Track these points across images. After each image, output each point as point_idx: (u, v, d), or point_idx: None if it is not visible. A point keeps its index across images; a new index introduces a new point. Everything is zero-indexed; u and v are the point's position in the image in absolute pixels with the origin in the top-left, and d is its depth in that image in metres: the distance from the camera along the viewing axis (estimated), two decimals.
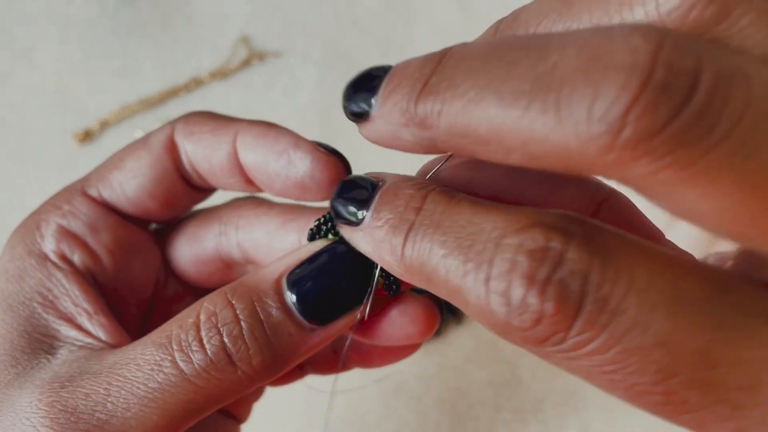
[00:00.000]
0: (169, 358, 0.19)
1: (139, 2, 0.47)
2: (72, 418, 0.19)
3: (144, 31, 0.47)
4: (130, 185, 0.24)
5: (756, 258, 0.15)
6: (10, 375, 0.20)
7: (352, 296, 0.21)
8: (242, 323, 0.20)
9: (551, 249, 0.14)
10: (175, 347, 0.19)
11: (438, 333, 0.43)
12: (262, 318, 0.20)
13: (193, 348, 0.19)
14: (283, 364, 0.20)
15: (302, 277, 0.20)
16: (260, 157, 0.22)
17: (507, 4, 0.48)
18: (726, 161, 0.12)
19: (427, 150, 0.17)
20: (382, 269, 0.20)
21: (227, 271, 0.26)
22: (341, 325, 0.21)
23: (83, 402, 0.19)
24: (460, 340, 0.43)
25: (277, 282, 0.20)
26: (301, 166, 0.22)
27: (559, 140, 0.13)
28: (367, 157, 0.45)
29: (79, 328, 0.22)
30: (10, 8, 0.47)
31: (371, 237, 0.18)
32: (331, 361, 0.27)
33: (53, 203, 0.24)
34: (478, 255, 0.15)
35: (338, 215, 0.19)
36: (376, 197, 0.18)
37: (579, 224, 0.14)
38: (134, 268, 0.24)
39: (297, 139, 0.22)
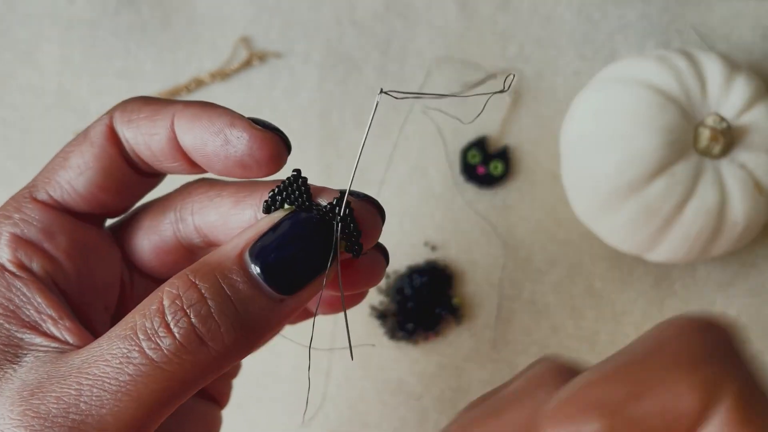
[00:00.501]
0: (137, 348, 0.19)
1: (140, 3, 0.47)
2: (46, 424, 0.19)
3: (145, 32, 0.47)
4: (79, 181, 0.23)
5: None
6: None
7: (317, 262, 0.21)
8: (209, 302, 0.19)
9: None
10: (141, 336, 0.19)
11: (438, 332, 0.43)
12: (230, 294, 0.20)
13: (161, 334, 0.19)
14: (256, 338, 0.20)
15: (265, 248, 0.20)
16: (197, 139, 0.22)
17: (507, 5, 0.48)
18: None
19: None
20: (342, 231, 0.21)
21: (191, 257, 0.26)
22: (310, 291, 0.21)
23: (55, 406, 0.19)
24: (459, 339, 0.43)
25: (240, 256, 0.20)
26: (239, 144, 0.21)
27: None
28: (367, 158, 0.45)
29: (45, 334, 0.21)
30: (12, 9, 0.47)
31: None
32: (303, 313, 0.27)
33: (1, 214, 0.23)
34: None
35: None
36: None
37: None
38: (96, 269, 0.24)
39: (233, 118, 0.22)
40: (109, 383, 0.19)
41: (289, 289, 0.20)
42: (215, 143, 0.22)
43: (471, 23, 0.46)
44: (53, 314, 0.22)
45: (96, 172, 0.23)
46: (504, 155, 0.44)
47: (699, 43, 0.45)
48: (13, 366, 0.20)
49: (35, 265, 0.22)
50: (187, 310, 0.19)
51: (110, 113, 0.23)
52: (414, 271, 0.43)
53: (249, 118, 0.22)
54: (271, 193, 0.22)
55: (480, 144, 0.45)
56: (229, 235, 0.24)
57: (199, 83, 0.46)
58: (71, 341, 0.21)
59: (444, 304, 0.43)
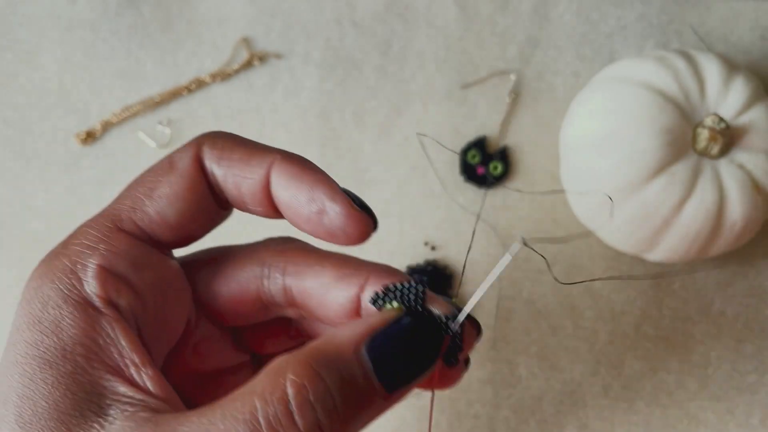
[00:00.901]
0: None
1: (141, 4, 0.47)
2: None
3: (146, 33, 0.47)
4: (170, 212, 0.23)
5: None
6: None
7: (424, 366, 0.21)
8: (335, 396, 0.19)
9: None
10: (263, 423, 0.18)
11: None
12: (352, 389, 0.20)
13: (284, 424, 0.19)
14: (362, 428, 0.21)
15: (380, 346, 0.21)
16: (294, 200, 0.23)
17: (507, 5, 0.48)
18: None
19: None
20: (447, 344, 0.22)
21: (264, 311, 0.26)
22: (411, 389, 0.21)
23: None
24: None
25: (357, 350, 0.20)
26: (335, 219, 0.22)
27: None
28: (368, 158, 0.45)
29: (129, 382, 0.20)
30: (13, 10, 0.48)
31: None
32: None
33: (84, 244, 0.22)
34: None
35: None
36: None
37: None
38: (171, 305, 0.23)
39: (333, 192, 0.23)
40: None
41: (395, 387, 0.21)
42: (311, 209, 0.22)
43: (471, 24, 0.46)
44: (136, 359, 0.20)
45: (188, 203, 0.23)
46: (503, 155, 0.45)
47: (698, 44, 0.45)
48: (99, 420, 0.19)
49: (122, 302, 0.21)
50: (314, 403, 0.19)
51: (197, 145, 0.23)
52: (414, 271, 0.43)
53: (346, 193, 0.23)
54: (385, 289, 0.23)
55: (480, 144, 0.45)
56: (325, 306, 0.24)
57: (199, 84, 0.46)
58: (153, 391, 0.20)
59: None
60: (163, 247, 0.24)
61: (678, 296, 0.43)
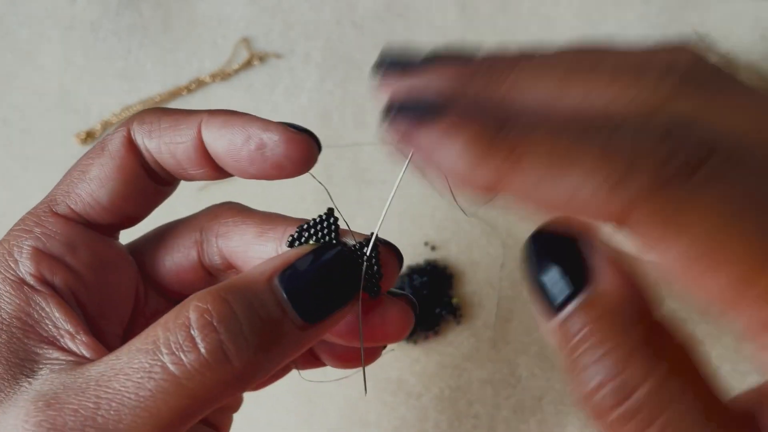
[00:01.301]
0: (159, 363, 0.19)
1: (141, 4, 0.47)
2: None
3: (146, 33, 0.47)
4: (101, 193, 0.23)
5: None
6: None
7: (342, 295, 0.21)
8: (241, 318, 0.19)
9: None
10: (164, 350, 0.19)
11: (437, 332, 0.43)
12: (261, 314, 0.20)
13: (185, 348, 0.19)
14: (277, 362, 0.20)
15: (293, 276, 0.21)
16: (231, 144, 0.23)
17: (507, 5, 0.48)
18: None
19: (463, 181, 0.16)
20: (366, 272, 0.22)
21: (209, 280, 0.26)
22: (330, 323, 0.21)
23: (72, 418, 0.19)
24: (459, 339, 0.43)
25: (269, 280, 0.20)
26: (275, 147, 0.22)
27: (600, 203, 0.14)
28: (368, 158, 0.45)
29: (62, 349, 0.21)
30: (13, 10, 0.48)
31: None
32: (316, 359, 0.27)
33: (22, 229, 0.23)
34: None
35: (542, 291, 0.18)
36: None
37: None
38: (113, 283, 0.24)
39: (266, 123, 0.23)
40: (129, 398, 0.19)
41: (314, 317, 0.21)
42: (249, 148, 0.22)
43: (471, 23, 0.46)
44: (71, 329, 0.21)
45: (119, 183, 0.23)
46: None
47: (698, 44, 0.45)
48: (29, 379, 0.20)
49: (57, 280, 0.22)
50: (217, 326, 0.19)
51: (126, 125, 0.24)
52: (414, 271, 0.43)
53: (280, 123, 0.23)
54: (299, 228, 0.23)
55: None
56: (249, 264, 0.24)
57: (199, 84, 0.46)
58: (87, 355, 0.21)
59: (444, 304, 0.43)
60: (104, 228, 0.24)
61: (678, 296, 0.43)
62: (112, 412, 0.18)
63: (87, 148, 0.46)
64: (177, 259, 0.25)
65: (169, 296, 0.27)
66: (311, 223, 0.23)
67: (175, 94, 0.46)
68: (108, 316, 0.24)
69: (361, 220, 0.45)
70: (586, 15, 0.46)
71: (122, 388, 0.19)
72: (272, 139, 0.22)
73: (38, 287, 0.22)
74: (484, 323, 0.43)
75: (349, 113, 0.46)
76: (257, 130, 0.23)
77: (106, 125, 0.46)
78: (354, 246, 0.23)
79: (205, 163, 0.24)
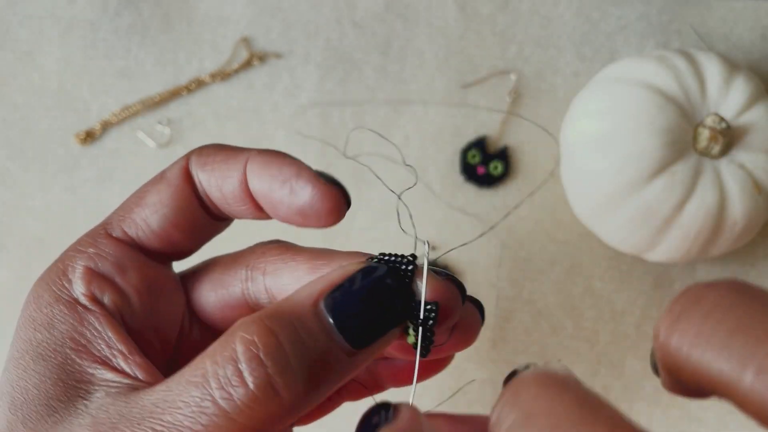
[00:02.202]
0: (209, 397, 0.18)
1: (140, 4, 0.47)
2: None
3: (145, 33, 0.47)
4: (154, 219, 0.24)
5: None
6: (48, 424, 0.20)
7: (391, 317, 0.21)
8: (287, 350, 0.19)
9: None
10: (213, 385, 0.19)
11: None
12: (308, 344, 0.19)
13: (233, 383, 0.18)
14: (326, 391, 0.20)
15: (340, 299, 0.20)
16: (265, 185, 0.23)
17: (507, 5, 0.48)
18: None
19: None
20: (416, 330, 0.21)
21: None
22: (380, 346, 0.21)
23: None
24: None
25: (315, 305, 0.20)
26: (302, 194, 0.23)
27: None
28: (367, 158, 0.45)
29: (116, 370, 0.21)
30: (12, 9, 0.48)
31: None
32: (366, 389, 0.27)
33: (76, 249, 0.23)
34: None
35: None
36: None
37: None
38: (161, 308, 0.24)
39: (299, 169, 0.23)
40: None
41: (361, 342, 0.20)
42: (281, 191, 0.23)
43: (471, 23, 0.46)
44: (123, 349, 0.22)
45: (171, 210, 0.24)
46: (503, 155, 0.45)
47: (698, 44, 0.45)
48: (85, 402, 0.20)
49: (107, 299, 0.22)
50: (264, 359, 0.19)
51: (186, 156, 0.24)
52: None
53: (315, 171, 0.23)
54: (377, 260, 0.22)
55: (480, 144, 0.45)
56: None
57: (199, 83, 0.46)
58: (141, 377, 0.21)
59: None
60: (155, 255, 0.24)
61: None
62: None
63: (86, 148, 0.46)
64: (221, 294, 0.25)
65: (213, 330, 0.26)
66: (390, 256, 0.22)
67: (175, 93, 0.46)
68: (153, 341, 0.24)
69: (361, 219, 0.45)
70: (586, 15, 0.46)
71: (176, 422, 0.19)
72: (301, 187, 0.23)
73: (90, 307, 0.22)
74: (484, 323, 0.43)
75: (349, 113, 0.46)
76: (290, 175, 0.23)
77: (105, 125, 0.46)
78: (400, 261, 0.22)
79: (247, 201, 0.24)
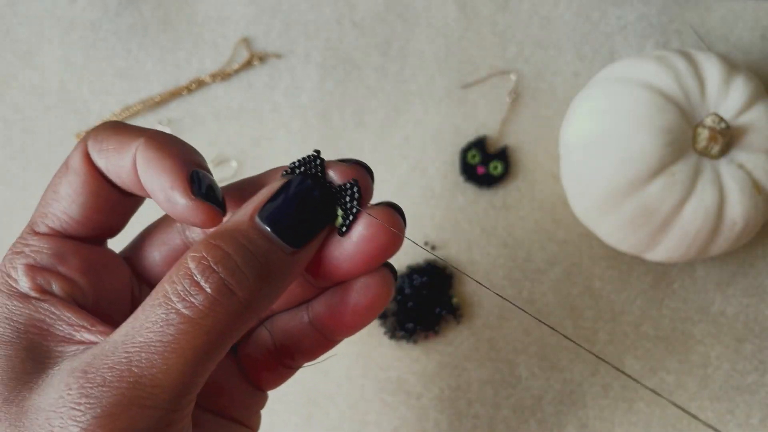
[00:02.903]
0: (174, 310, 0.21)
1: (141, 4, 0.47)
2: (104, 389, 0.20)
3: (146, 33, 0.47)
4: (72, 209, 0.24)
5: None
6: (25, 390, 0.21)
7: (321, 217, 0.23)
8: (234, 256, 0.21)
9: None
10: (175, 299, 0.21)
11: (437, 332, 0.43)
12: (251, 249, 0.22)
13: (192, 292, 0.21)
14: (278, 286, 0.22)
15: (273, 210, 0.23)
16: (150, 188, 0.23)
17: (507, 5, 0.48)
18: None
19: None
20: (342, 203, 0.24)
21: None
22: (315, 244, 0.24)
23: (109, 374, 0.20)
24: (459, 338, 0.43)
25: (252, 219, 0.23)
26: (179, 208, 0.23)
27: None
28: (368, 158, 0.45)
29: (81, 342, 0.23)
30: (13, 10, 0.48)
31: None
32: (318, 345, 0.28)
33: (12, 251, 0.24)
34: None
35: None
36: None
37: None
38: (108, 284, 0.25)
39: (173, 180, 0.23)
40: (155, 346, 0.20)
41: (298, 241, 0.23)
42: (160, 198, 0.23)
43: (471, 23, 0.46)
44: (86, 324, 0.23)
45: (86, 198, 0.24)
46: (503, 155, 0.45)
47: (698, 44, 0.45)
48: (57, 367, 0.22)
49: (55, 288, 0.24)
50: (215, 267, 0.21)
51: (83, 141, 0.25)
52: (414, 271, 0.43)
53: (192, 174, 0.23)
54: (290, 166, 0.24)
55: (480, 144, 0.45)
56: None
57: (199, 84, 0.46)
58: None
59: (444, 303, 0.43)
60: (86, 240, 0.25)
61: (678, 296, 0.43)
62: (143, 361, 0.20)
63: None
64: (164, 251, 0.27)
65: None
66: (300, 161, 0.24)
67: (175, 94, 0.46)
68: (108, 315, 0.25)
69: None
70: (586, 15, 0.46)
71: (146, 340, 0.21)
72: (175, 200, 0.23)
73: (42, 297, 0.23)
74: (484, 323, 0.43)
75: (349, 113, 0.46)
76: (166, 185, 0.23)
77: None
78: (320, 173, 0.24)
79: (143, 192, 0.24)
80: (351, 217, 0.24)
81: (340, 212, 0.24)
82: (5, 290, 0.24)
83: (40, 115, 0.47)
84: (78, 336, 0.23)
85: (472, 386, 0.43)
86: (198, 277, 0.21)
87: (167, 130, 0.46)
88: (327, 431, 0.43)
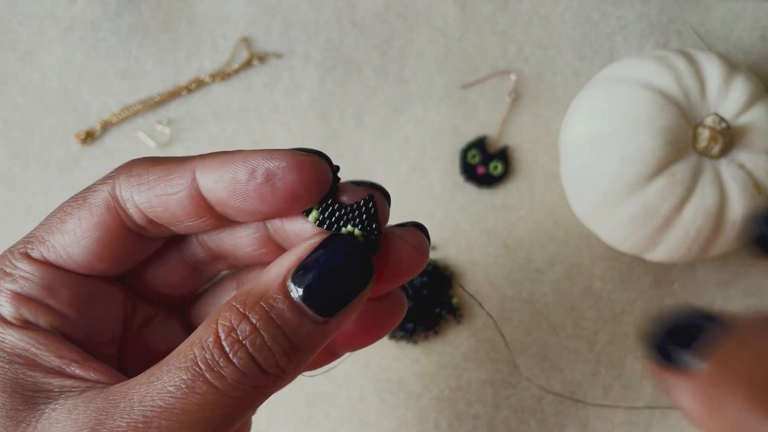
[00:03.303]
0: (201, 378, 0.20)
1: (141, 4, 0.47)
2: None
3: (146, 33, 0.47)
4: (74, 249, 0.23)
5: None
6: (19, 430, 0.20)
7: (356, 284, 0.21)
8: (262, 332, 0.20)
9: None
10: (203, 368, 0.20)
11: (437, 332, 0.43)
12: (279, 323, 0.21)
13: (222, 364, 0.20)
14: (305, 359, 0.21)
15: (307, 273, 0.21)
16: (235, 183, 0.21)
17: (507, 5, 0.48)
18: None
19: None
20: (358, 222, 0.22)
21: (192, 274, 0.26)
22: (350, 311, 0.22)
23: None
24: (459, 338, 0.43)
25: (283, 285, 0.21)
26: (284, 175, 0.21)
27: None
28: (368, 158, 0.45)
29: (72, 377, 0.21)
30: (13, 9, 0.48)
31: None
32: (321, 358, 0.27)
33: (1, 270, 0.23)
34: None
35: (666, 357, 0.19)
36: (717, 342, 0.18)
37: None
38: (100, 311, 0.24)
39: (268, 152, 0.21)
40: (178, 414, 0.19)
41: (331, 311, 0.21)
42: (256, 181, 0.21)
43: (471, 24, 0.46)
44: (76, 358, 0.22)
45: (93, 242, 0.23)
46: (503, 155, 0.45)
47: (698, 44, 0.45)
48: (50, 406, 0.20)
49: (43, 322, 0.22)
50: (244, 342, 0.20)
51: (113, 178, 0.23)
52: None
53: (284, 149, 0.22)
54: (320, 212, 0.22)
55: (480, 144, 0.45)
56: (238, 246, 0.25)
57: (199, 83, 0.46)
58: (104, 381, 0.21)
59: (444, 304, 0.43)
60: (82, 275, 0.24)
61: (678, 296, 0.43)
62: (163, 428, 0.19)
63: (86, 148, 0.46)
64: (160, 269, 0.26)
65: (158, 300, 0.27)
66: (347, 208, 0.22)
67: (175, 93, 0.46)
68: (99, 339, 0.24)
69: None
70: (586, 15, 0.46)
71: (168, 406, 0.20)
72: (280, 167, 0.21)
73: (25, 328, 0.22)
74: (484, 323, 0.43)
75: (349, 113, 0.46)
76: (261, 160, 0.21)
77: (106, 125, 0.46)
78: (360, 226, 0.22)
79: (204, 213, 0.22)
80: (373, 237, 0.22)
81: (358, 232, 0.22)
82: None
83: (40, 115, 0.47)
84: (68, 370, 0.21)
85: (472, 386, 0.43)
86: (227, 349, 0.20)
87: (167, 130, 0.46)
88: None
